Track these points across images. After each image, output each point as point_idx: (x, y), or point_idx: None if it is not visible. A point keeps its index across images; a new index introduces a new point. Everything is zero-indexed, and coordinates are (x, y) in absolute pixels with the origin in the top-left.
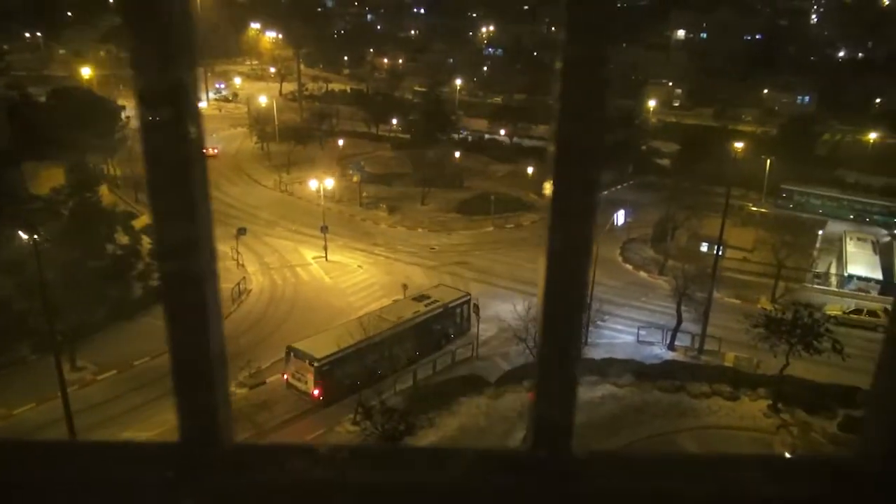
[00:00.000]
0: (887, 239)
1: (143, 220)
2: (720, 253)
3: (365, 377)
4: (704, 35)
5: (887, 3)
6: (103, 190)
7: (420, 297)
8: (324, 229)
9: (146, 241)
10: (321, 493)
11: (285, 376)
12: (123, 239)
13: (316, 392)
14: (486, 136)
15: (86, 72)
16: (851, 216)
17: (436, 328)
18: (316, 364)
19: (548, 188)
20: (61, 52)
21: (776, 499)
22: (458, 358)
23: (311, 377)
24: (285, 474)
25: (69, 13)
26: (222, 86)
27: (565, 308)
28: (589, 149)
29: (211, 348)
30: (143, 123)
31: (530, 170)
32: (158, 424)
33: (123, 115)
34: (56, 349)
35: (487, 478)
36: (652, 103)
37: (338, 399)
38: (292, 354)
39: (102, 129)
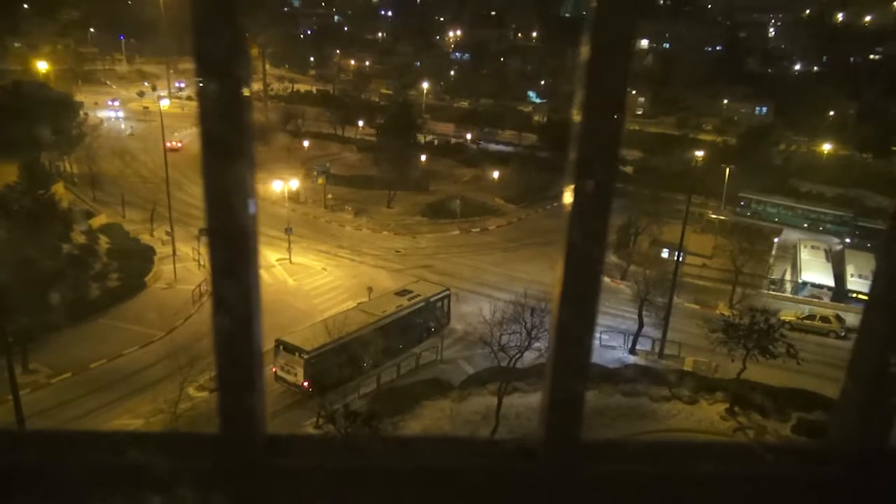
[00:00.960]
0: (839, 247)
1: (100, 220)
2: (680, 259)
3: (352, 369)
4: (667, 45)
5: (841, 19)
6: (59, 188)
7: (402, 292)
8: (288, 231)
9: (104, 241)
10: (355, 480)
11: (274, 369)
12: (80, 238)
13: (305, 384)
14: (453, 139)
15: (42, 66)
16: (805, 225)
17: (418, 322)
18: (305, 357)
19: (567, 195)
20: (16, 45)
21: (775, 477)
22: (422, 361)
23: (300, 370)
24: (322, 463)
25: (25, 5)
26: (183, 84)
27: (579, 302)
28: (608, 153)
29: (253, 343)
30: (202, 106)
31: (496, 174)
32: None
33: (81, 111)
34: (7, 351)
35: (502, 464)
36: None
37: (326, 391)
38: (281, 348)
39: (59, 125)
